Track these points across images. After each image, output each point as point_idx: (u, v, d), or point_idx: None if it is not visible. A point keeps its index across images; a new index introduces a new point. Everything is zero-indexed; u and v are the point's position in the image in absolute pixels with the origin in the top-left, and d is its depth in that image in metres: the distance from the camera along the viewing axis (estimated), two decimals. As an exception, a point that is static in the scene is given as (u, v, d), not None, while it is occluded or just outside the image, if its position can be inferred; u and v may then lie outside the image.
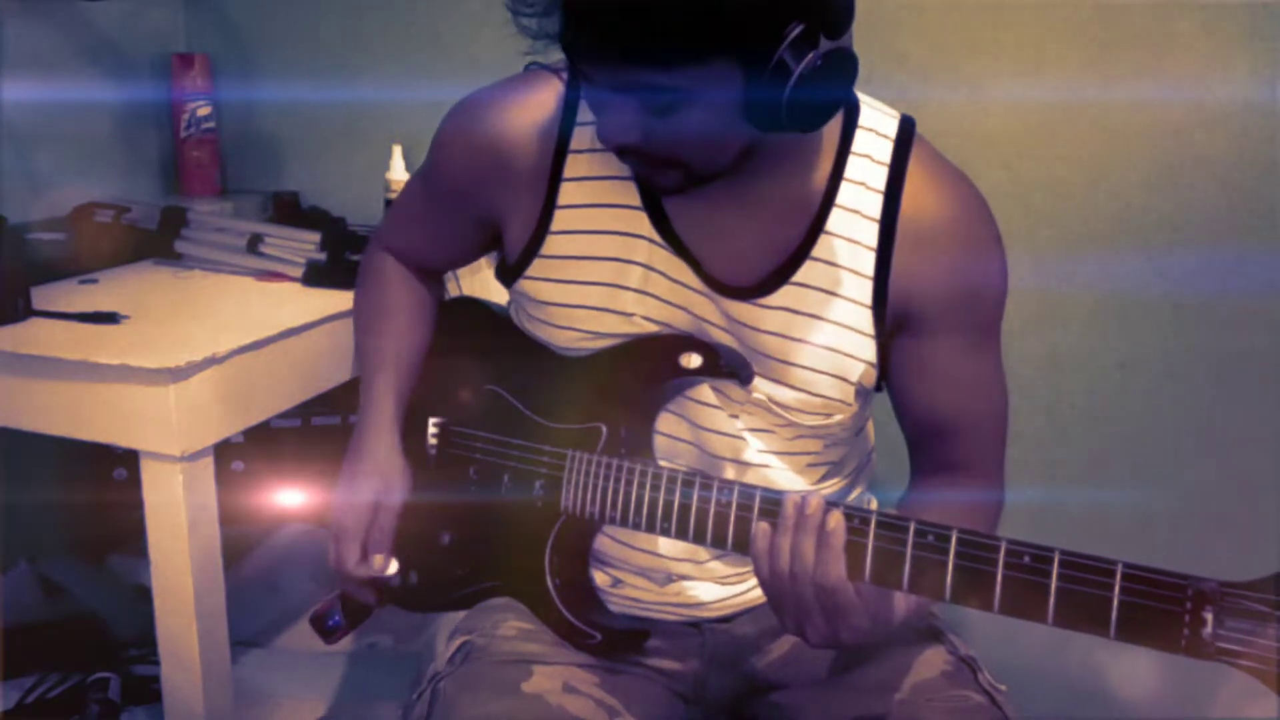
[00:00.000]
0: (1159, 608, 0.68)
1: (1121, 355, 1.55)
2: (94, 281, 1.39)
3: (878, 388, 0.96)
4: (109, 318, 1.19)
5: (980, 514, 0.94)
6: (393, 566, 1.00)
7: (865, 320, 0.90)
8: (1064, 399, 1.59)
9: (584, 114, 0.92)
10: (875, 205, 0.89)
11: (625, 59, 0.74)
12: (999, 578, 0.73)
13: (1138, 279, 1.51)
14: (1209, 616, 0.67)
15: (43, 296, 1.25)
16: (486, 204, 0.97)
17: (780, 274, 0.90)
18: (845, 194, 0.89)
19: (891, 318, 0.91)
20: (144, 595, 1.21)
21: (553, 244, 0.94)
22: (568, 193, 0.93)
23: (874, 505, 1.10)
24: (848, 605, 0.78)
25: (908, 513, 0.80)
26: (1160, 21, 1.45)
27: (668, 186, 0.86)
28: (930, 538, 0.75)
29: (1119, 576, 0.69)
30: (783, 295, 0.90)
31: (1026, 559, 0.72)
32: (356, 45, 1.80)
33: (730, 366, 0.90)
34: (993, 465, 0.97)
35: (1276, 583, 0.67)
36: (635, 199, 0.92)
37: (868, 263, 0.89)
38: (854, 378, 0.92)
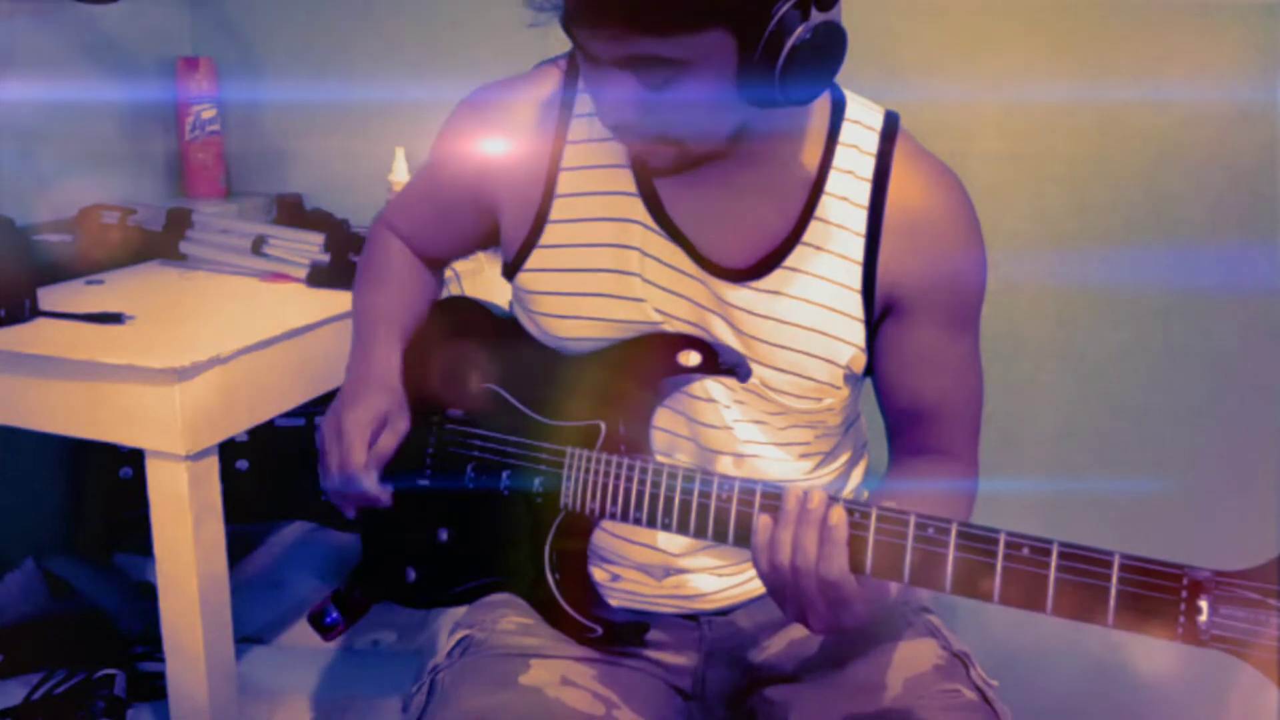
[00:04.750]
0: (1155, 597, 0.70)
1: (1123, 351, 1.56)
2: (100, 282, 1.40)
3: (865, 372, 0.98)
4: (115, 318, 1.20)
5: (958, 498, 0.97)
6: (385, 494, 0.98)
7: (854, 304, 0.92)
8: (1064, 394, 1.60)
9: (581, 106, 0.95)
10: (864, 193, 0.91)
11: (623, 26, 0.76)
12: (999, 569, 0.74)
13: (1135, 277, 1.52)
14: (1204, 605, 0.69)
15: (49, 297, 1.27)
16: (487, 195, 0.99)
17: (772, 258, 0.92)
18: (834, 182, 0.92)
19: (879, 303, 0.93)
20: (149, 592, 1.23)
21: (551, 233, 0.96)
22: (565, 182, 0.95)
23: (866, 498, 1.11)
24: (851, 596, 0.79)
25: (888, 498, 0.82)
26: (1157, 21, 1.46)
27: (663, 166, 0.87)
28: (930, 530, 0.76)
29: (1116, 567, 0.71)
30: (775, 279, 0.92)
31: (1025, 550, 0.73)
32: (359, 49, 1.82)
33: (728, 365, 0.91)
34: (968, 449, 1.00)
35: (1269, 571, 0.68)
36: (631, 185, 0.94)
37: (857, 248, 0.91)
38: (843, 361, 0.94)
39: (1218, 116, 1.46)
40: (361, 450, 0.97)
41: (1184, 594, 0.69)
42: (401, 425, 1.00)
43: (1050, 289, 1.54)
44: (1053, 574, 0.72)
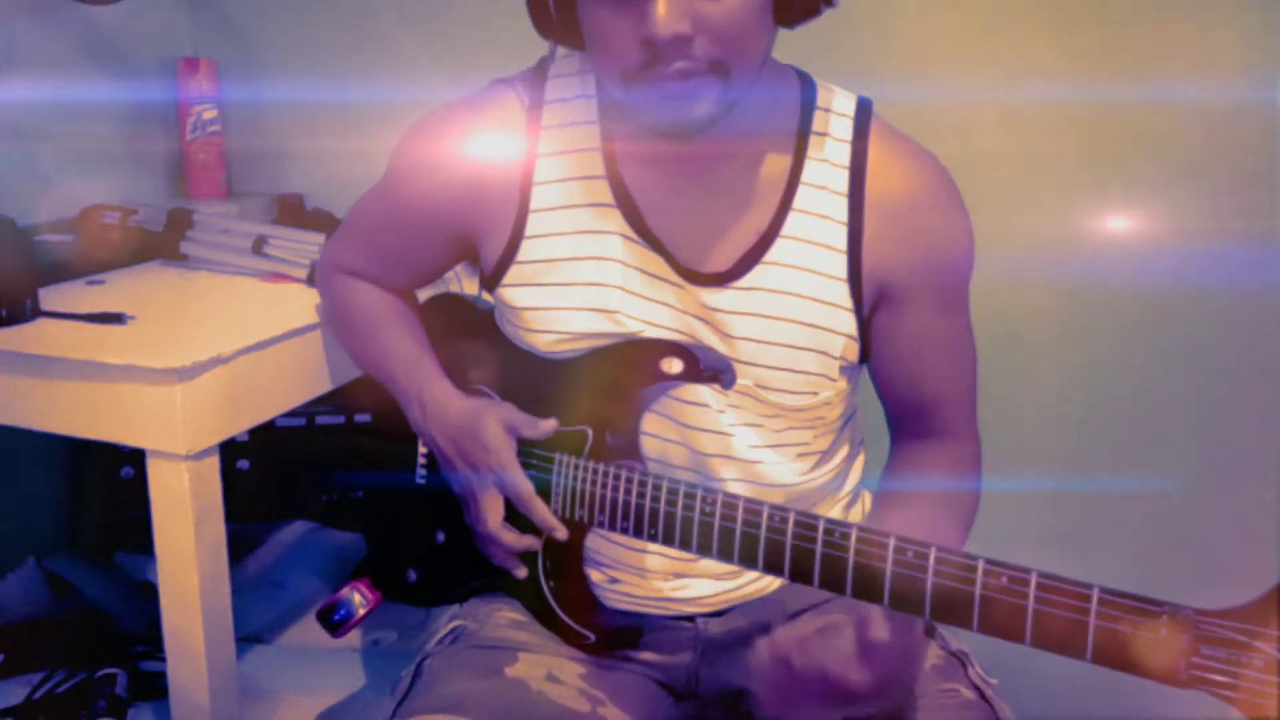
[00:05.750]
0: (1134, 634, 0.69)
1: (1125, 350, 1.56)
2: (101, 282, 1.40)
3: (861, 361, 0.98)
4: (116, 318, 1.20)
5: (968, 493, 0.98)
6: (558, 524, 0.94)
7: (842, 294, 0.92)
8: (1066, 392, 1.60)
9: (550, 118, 0.94)
10: (841, 181, 0.91)
11: None
12: (977, 597, 0.73)
13: (1137, 276, 1.52)
14: (1184, 644, 0.68)
15: (51, 297, 1.27)
16: (459, 219, 0.98)
17: (751, 255, 0.92)
18: (811, 172, 0.91)
19: (870, 292, 0.93)
20: (150, 592, 1.23)
21: (529, 249, 0.95)
22: (540, 197, 0.94)
23: (867, 500, 1.11)
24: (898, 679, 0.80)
25: (901, 500, 0.81)
26: (1156, 19, 1.46)
27: (702, 112, 0.83)
28: (910, 555, 0.76)
29: (1095, 601, 0.70)
30: (757, 275, 0.92)
31: (1004, 579, 0.72)
32: (360, 49, 1.82)
33: (711, 371, 0.90)
34: (969, 423, 1.01)
35: (1251, 611, 0.67)
36: (608, 196, 0.93)
37: (839, 237, 0.91)
38: (836, 352, 0.94)
39: (1218, 114, 1.46)
40: (523, 480, 0.93)
41: (1164, 632, 0.68)
42: (522, 418, 0.94)
43: (1051, 288, 1.54)
44: (1031, 605, 0.71)
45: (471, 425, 0.95)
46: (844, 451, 1.05)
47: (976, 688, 0.93)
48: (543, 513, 0.93)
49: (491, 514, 0.95)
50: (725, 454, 0.96)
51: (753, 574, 1.00)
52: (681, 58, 0.80)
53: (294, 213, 1.81)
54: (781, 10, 0.83)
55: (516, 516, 0.95)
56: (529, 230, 0.94)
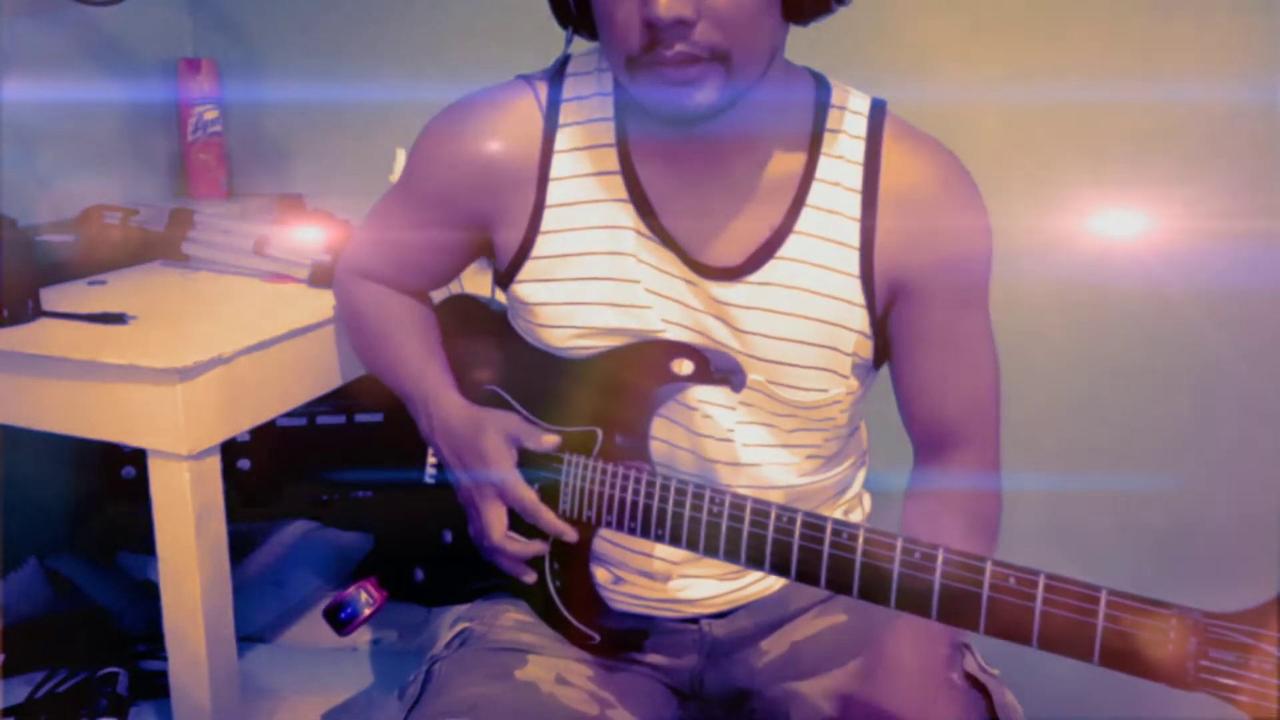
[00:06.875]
0: (1142, 636, 0.68)
1: (1125, 350, 1.56)
2: (102, 283, 1.40)
3: (876, 364, 0.97)
4: (117, 318, 1.20)
5: (989, 515, 0.97)
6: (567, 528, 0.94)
7: (854, 290, 0.92)
8: (1068, 392, 1.60)
9: (567, 115, 0.95)
10: (855, 177, 0.91)
11: None
12: (984, 598, 0.73)
13: (1138, 275, 1.52)
14: (1192, 647, 0.67)
15: (52, 297, 1.27)
16: (476, 214, 0.98)
17: (764, 251, 0.91)
18: (824, 169, 0.91)
19: (883, 287, 0.92)
20: (151, 591, 1.23)
21: (544, 244, 0.95)
22: (556, 192, 0.94)
23: (868, 502, 1.11)
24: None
25: (917, 505, 0.80)
26: (1154, 21, 1.46)
27: (703, 99, 0.83)
28: (917, 555, 0.76)
29: (1103, 603, 0.69)
30: (768, 271, 0.91)
31: (1011, 580, 0.72)
32: (360, 50, 1.82)
33: (722, 374, 0.90)
34: (991, 436, 0.98)
35: (1260, 614, 0.67)
36: (622, 192, 0.93)
37: (852, 233, 0.91)
38: (848, 348, 0.93)
39: (1218, 114, 1.46)
40: (524, 489, 0.94)
41: (1172, 635, 0.68)
42: (526, 429, 0.95)
43: (1050, 288, 1.54)
44: (1038, 607, 0.71)
45: (472, 436, 0.95)
46: (850, 460, 1.05)
47: (969, 675, 0.92)
48: (549, 519, 0.93)
49: (495, 526, 0.95)
50: (733, 461, 0.96)
51: (757, 574, 1.00)
52: (681, 41, 0.80)
53: (294, 213, 1.81)
54: (791, 6, 0.83)
55: (522, 522, 0.95)
56: (545, 225, 0.95)
